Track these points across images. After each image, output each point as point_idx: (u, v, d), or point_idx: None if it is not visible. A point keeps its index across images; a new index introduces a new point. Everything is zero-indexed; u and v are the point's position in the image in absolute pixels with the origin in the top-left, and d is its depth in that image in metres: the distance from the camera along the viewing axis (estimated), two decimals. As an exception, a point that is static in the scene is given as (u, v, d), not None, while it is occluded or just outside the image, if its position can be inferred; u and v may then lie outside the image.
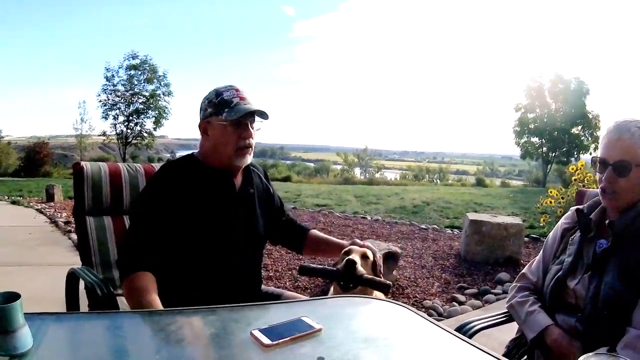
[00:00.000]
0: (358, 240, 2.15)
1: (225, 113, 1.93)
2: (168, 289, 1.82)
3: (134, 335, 1.41)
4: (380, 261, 2.13)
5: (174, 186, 1.93)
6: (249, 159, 2.04)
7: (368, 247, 2.11)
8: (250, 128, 1.99)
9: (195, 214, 1.92)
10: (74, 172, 2.63)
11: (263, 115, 2.00)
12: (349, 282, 1.95)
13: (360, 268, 1.95)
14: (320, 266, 2.05)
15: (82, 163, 2.65)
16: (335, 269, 2.00)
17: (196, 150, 2.13)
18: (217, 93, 1.98)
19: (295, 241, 2.38)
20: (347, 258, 1.96)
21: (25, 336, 1.17)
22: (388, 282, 1.96)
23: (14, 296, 1.18)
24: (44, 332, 1.28)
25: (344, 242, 2.24)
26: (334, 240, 2.32)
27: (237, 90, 1.99)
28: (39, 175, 26.32)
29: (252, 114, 1.97)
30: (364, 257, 2.04)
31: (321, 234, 2.41)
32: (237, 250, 2.02)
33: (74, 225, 7.77)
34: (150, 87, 29.36)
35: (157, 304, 1.68)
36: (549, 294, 1.92)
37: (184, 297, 1.74)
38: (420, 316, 1.59)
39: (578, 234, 1.93)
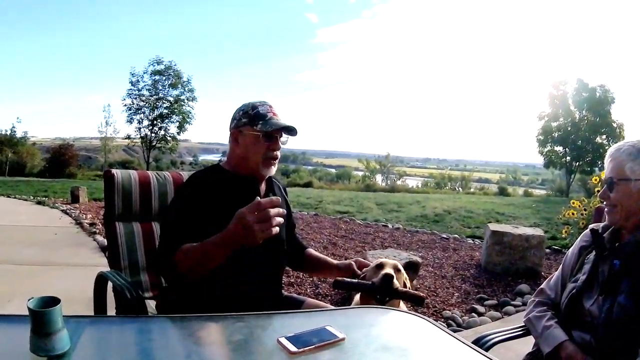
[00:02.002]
0: (361, 259, 2.24)
1: (260, 125, 2.04)
2: (194, 290, 1.89)
3: (164, 339, 1.47)
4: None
5: (203, 193, 2.02)
6: (274, 170, 2.15)
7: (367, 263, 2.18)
8: (279, 141, 2.10)
9: (223, 220, 1.98)
10: (105, 179, 2.70)
11: (292, 132, 2.12)
12: (386, 295, 1.99)
13: (396, 282, 1.99)
14: (355, 280, 2.08)
15: (113, 170, 2.71)
16: (370, 282, 2.04)
17: (223, 159, 2.22)
18: (253, 106, 2.10)
19: (295, 258, 2.47)
20: (384, 272, 2.00)
21: (63, 338, 1.23)
22: (422, 295, 2.00)
23: (54, 300, 1.25)
24: (79, 335, 1.34)
25: (341, 262, 2.33)
26: (331, 262, 2.38)
27: (270, 106, 2.12)
28: (64, 176, 26.63)
29: (282, 129, 2.09)
30: (396, 270, 2.08)
31: (317, 253, 2.48)
32: (260, 255, 2.08)
33: (98, 227, 7.95)
34: (175, 92, 29.61)
35: (208, 239, 1.77)
36: (563, 311, 1.95)
37: (209, 298, 1.80)
38: (438, 327, 1.63)
39: (594, 252, 1.96)
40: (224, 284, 1.99)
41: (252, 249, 1.97)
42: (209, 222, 1.94)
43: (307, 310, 1.82)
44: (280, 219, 1.66)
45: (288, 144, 2.17)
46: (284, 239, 2.29)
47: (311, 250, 2.48)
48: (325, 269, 2.40)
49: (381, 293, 1.99)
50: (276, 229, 1.66)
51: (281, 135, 2.12)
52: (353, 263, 2.23)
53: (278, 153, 2.12)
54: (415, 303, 2.03)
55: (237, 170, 2.13)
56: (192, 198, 2.01)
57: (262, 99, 2.16)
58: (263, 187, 2.21)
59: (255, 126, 2.05)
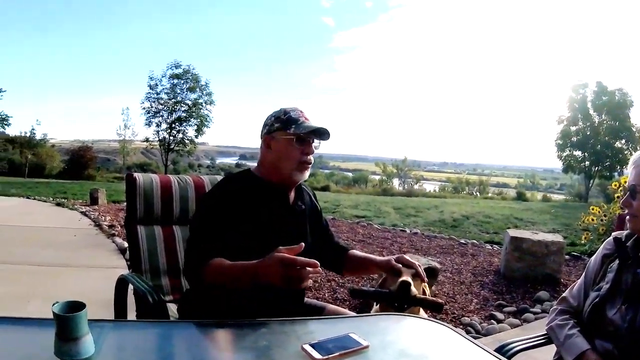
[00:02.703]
0: (406, 257, 2.15)
1: (293, 128, 2.04)
2: (216, 296, 1.88)
3: (188, 344, 1.47)
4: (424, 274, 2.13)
5: (232, 199, 2.01)
6: (307, 175, 2.13)
7: (413, 263, 2.11)
8: (312, 146, 2.10)
9: (251, 226, 1.98)
10: (126, 183, 2.72)
11: (324, 136, 2.11)
12: (404, 303, 1.97)
13: (413, 289, 1.97)
14: (372, 289, 2.07)
15: (135, 174, 2.74)
16: (388, 290, 2.02)
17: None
18: (285, 112, 2.10)
19: (336, 262, 2.40)
20: (401, 280, 1.98)
21: (88, 343, 1.24)
22: (440, 301, 1.98)
23: (79, 305, 1.25)
24: (103, 339, 1.35)
25: (381, 258, 2.25)
26: (372, 258, 2.32)
27: (301, 111, 2.12)
28: (83, 178, 26.90)
29: (314, 133, 2.08)
30: (414, 276, 2.06)
31: (359, 253, 2.41)
32: None
33: (117, 229, 8.00)
34: (193, 96, 29.76)
35: (241, 262, 1.76)
36: (586, 320, 1.93)
37: (231, 305, 1.80)
38: (460, 335, 1.62)
39: (617, 261, 1.93)
40: (249, 292, 1.99)
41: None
42: (237, 229, 1.95)
43: (330, 317, 1.81)
44: (315, 276, 1.64)
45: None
46: (311, 248, 2.27)
47: (354, 251, 2.41)
48: (365, 267, 2.35)
49: (399, 301, 1.97)
50: (308, 283, 1.63)
51: (313, 141, 2.11)
52: (392, 259, 2.14)
53: (311, 157, 2.11)
54: (434, 309, 2.01)
55: (269, 177, 2.12)
56: (221, 203, 2.01)
57: (293, 105, 2.15)
58: (292, 195, 2.20)
59: (288, 130, 2.04)
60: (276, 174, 2.11)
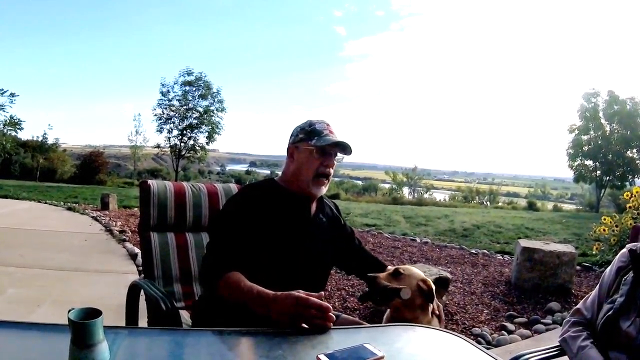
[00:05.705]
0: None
1: (315, 140, 2.08)
2: (229, 306, 1.89)
3: (204, 353, 1.47)
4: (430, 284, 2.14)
5: (254, 206, 2.04)
6: (324, 190, 2.16)
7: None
8: (333, 159, 2.14)
9: (271, 235, 2.01)
10: (140, 190, 2.74)
11: (346, 150, 2.14)
12: (376, 295, 2.05)
13: (382, 281, 2.01)
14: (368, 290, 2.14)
15: (149, 181, 2.76)
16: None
17: (277, 176, 2.26)
18: (310, 123, 2.14)
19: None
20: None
21: (103, 350, 1.24)
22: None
23: (95, 312, 1.25)
24: (118, 346, 1.35)
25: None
26: None
27: (327, 124, 2.15)
28: (94, 183, 27.00)
29: (336, 147, 2.12)
30: (395, 272, 2.08)
31: None
32: (304, 273, 2.09)
33: (128, 235, 8.02)
34: (204, 103, 29.74)
35: (258, 287, 1.77)
36: (599, 332, 1.91)
37: (245, 313, 1.80)
38: (474, 346, 1.61)
39: (631, 273, 1.92)
40: None
41: (297, 268, 1.99)
42: (257, 237, 1.97)
43: (345, 327, 1.81)
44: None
45: None
46: (329, 260, 2.28)
47: None
48: None
49: (370, 295, 2.08)
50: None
51: (336, 154, 2.15)
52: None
53: (331, 170, 2.14)
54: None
55: (290, 187, 2.16)
56: (242, 211, 2.04)
57: (320, 118, 2.20)
58: (314, 206, 2.23)
59: (310, 141, 2.09)
60: (296, 183, 2.14)
